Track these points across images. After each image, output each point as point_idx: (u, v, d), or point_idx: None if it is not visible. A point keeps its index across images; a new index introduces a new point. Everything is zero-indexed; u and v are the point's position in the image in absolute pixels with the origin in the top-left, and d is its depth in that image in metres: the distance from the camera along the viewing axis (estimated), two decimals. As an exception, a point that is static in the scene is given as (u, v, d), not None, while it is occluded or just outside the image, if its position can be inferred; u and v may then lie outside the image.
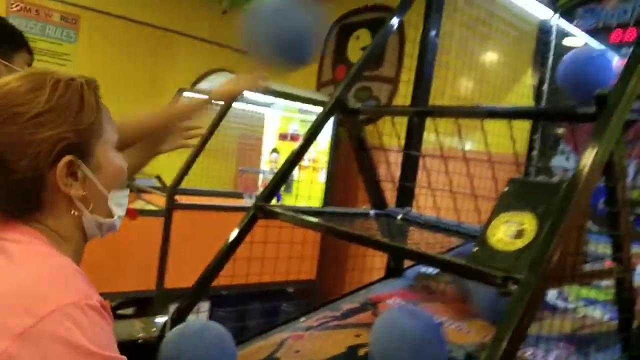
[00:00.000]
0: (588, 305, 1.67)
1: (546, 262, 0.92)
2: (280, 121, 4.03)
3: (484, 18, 2.50)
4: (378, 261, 2.24)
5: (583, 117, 1.14)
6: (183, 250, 3.01)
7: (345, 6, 4.08)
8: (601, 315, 1.60)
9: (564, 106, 1.62)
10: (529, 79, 2.79)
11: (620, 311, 1.32)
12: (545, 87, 2.57)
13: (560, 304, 1.71)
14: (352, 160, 3.59)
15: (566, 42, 2.56)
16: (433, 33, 2.03)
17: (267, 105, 4.02)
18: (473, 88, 2.61)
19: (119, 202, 0.83)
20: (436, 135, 1.75)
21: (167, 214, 2.98)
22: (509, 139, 1.97)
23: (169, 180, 3.02)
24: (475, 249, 1.03)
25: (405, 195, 1.99)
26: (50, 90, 0.74)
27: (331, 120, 3.58)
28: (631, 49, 1.13)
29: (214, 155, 3.56)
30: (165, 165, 3.11)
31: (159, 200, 3.07)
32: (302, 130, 3.79)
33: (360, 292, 1.91)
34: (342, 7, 4.08)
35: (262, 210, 1.57)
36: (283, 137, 3.94)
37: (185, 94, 3.61)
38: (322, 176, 3.54)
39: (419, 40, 2.04)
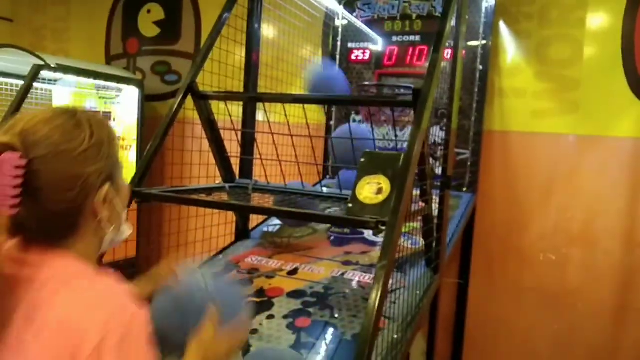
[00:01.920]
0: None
1: (401, 208, 1.35)
2: (72, 98, 3.83)
3: (281, 4, 2.83)
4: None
5: (403, 103, 1.60)
6: None
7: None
8: (404, 242, 2.18)
9: (389, 95, 2.11)
10: (320, 59, 3.28)
11: (426, 237, 1.87)
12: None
13: (376, 239, 2.24)
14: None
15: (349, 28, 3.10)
16: (256, 26, 2.31)
17: (53, 82, 3.77)
18: (278, 67, 2.94)
19: (127, 220, 0.94)
20: (266, 114, 2.08)
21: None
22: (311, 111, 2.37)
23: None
24: (350, 205, 1.42)
25: (247, 167, 2.28)
26: (89, 128, 0.82)
27: (136, 96, 3.61)
28: (431, 52, 1.62)
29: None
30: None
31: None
32: (100, 106, 3.69)
33: (217, 257, 2.17)
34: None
35: (138, 195, 1.70)
36: (81, 115, 3.77)
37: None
38: (131, 154, 3.55)
39: (245, 31, 2.30)
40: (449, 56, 2.16)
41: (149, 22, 4.01)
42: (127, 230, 0.94)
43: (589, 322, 2.70)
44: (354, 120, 3.03)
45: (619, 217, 2.66)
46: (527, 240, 2.85)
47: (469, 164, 2.76)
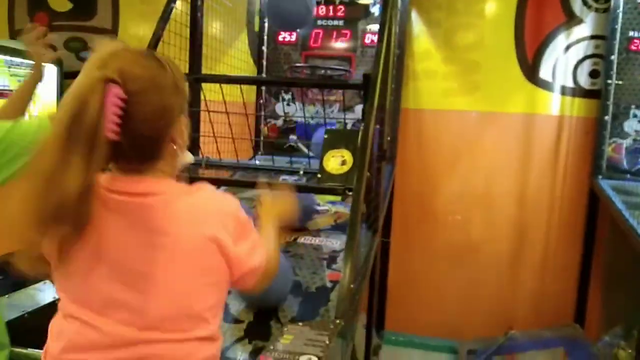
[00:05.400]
0: (334, 204, 2.51)
1: (364, 177, 1.61)
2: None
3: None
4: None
5: (355, 86, 1.85)
6: None
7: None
8: (343, 209, 2.46)
9: (342, 80, 2.34)
10: (245, 40, 3.41)
11: (367, 203, 2.15)
12: (264, 48, 3.25)
13: (319, 207, 2.50)
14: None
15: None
16: (199, 12, 2.42)
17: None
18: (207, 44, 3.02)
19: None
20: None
21: None
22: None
23: None
24: (319, 175, 1.65)
25: (194, 145, 2.40)
26: (169, 67, 0.93)
27: (54, 73, 3.53)
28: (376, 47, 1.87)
29: None
30: None
31: None
32: (12, 84, 3.53)
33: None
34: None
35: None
36: (-11, 93, 3.57)
37: None
38: (51, 133, 3.46)
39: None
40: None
41: (60, -6, 3.86)
42: (189, 156, 1.10)
43: (489, 271, 3.19)
44: (283, 99, 3.23)
45: (512, 181, 3.15)
46: (438, 204, 3.26)
47: (388, 139, 3.08)
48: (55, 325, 0.96)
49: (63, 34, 3.85)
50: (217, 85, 2.34)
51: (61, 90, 3.49)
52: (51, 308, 1.00)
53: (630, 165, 2.88)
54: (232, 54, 3.23)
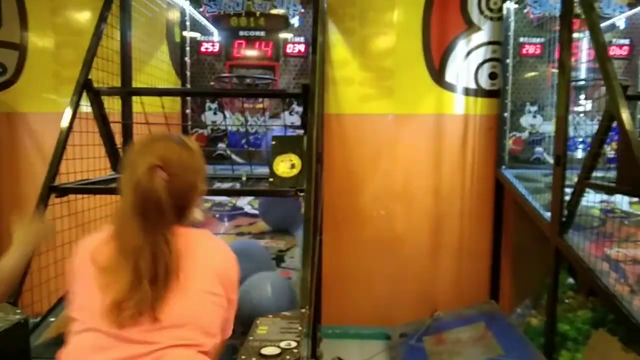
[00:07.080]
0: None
1: (312, 178, 1.75)
2: None
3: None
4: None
5: (295, 95, 1.99)
6: None
7: None
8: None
9: (281, 89, 2.43)
10: (166, 51, 3.42)
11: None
12: (187, 59, 3.29)
13: (255, 212, 2.60)
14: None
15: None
16: (128, 30, 2.44)
17: None
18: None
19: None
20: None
21: None
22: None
23: None
24: (271, 179, 1.76)
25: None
26: (194, 150, 1.25)
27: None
28: (311, 53, 2.02)
29: None
30: None
31: None
32: None
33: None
34: None
35: (56, 190, 1.80)
36: None
37: None
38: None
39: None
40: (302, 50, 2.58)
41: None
42: (200, 214, 1.33)
43: (413, 260, 3.46)
44: (209, 109, 3.29)
45: (427, 176, 3.44)
46: (363, 201, 3.48)
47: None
48: None
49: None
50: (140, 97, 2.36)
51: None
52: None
53: (528, 155, 3.27)
54: (153, 64, 3.24)
